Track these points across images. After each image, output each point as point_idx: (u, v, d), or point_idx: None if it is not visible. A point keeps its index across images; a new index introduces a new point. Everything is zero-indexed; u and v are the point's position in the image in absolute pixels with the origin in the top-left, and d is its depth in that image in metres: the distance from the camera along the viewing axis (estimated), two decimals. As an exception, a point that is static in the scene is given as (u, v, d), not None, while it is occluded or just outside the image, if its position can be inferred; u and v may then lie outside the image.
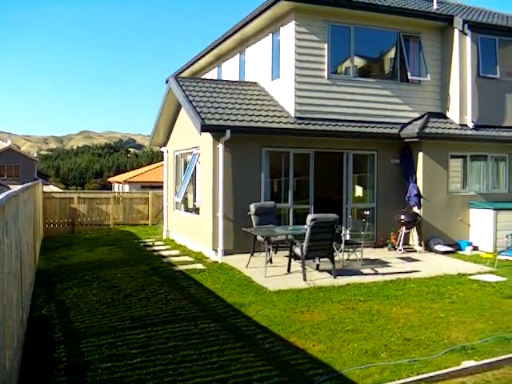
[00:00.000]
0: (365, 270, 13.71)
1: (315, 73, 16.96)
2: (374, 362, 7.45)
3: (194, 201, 18.60)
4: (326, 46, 17.06)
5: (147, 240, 20.79)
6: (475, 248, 17.29)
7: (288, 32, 17.05)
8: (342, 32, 17.35)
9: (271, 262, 14.03)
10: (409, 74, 18.11)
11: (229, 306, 10.41)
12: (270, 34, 18.22)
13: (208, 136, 15.86)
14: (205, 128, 15.26)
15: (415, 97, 18.35)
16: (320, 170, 17.21)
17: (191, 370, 7.10)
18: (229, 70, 21.93)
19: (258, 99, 17.68)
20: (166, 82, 19.06)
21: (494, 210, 17.14)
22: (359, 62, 18.30)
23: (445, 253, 16.55)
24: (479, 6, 22.80)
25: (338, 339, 8.39)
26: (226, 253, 15.52)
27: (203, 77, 24.42)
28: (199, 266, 14.57)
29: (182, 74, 26.07)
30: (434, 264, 14.88)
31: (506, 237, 15.73)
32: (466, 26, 17.97)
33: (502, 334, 8.62)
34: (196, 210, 18.02)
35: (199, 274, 13.48)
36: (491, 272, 13.85)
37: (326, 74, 17.09)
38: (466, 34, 18.06)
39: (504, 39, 18.86)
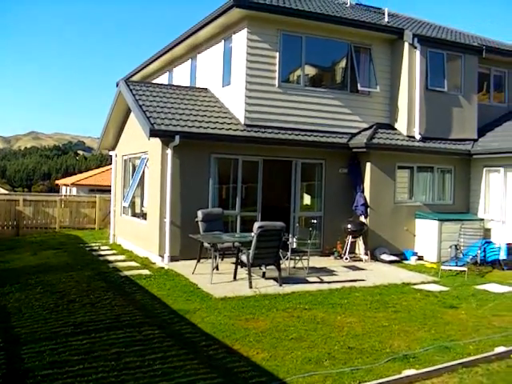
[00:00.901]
0: (311, 279, 13.77)
1: (266, 81, 17.02)
2: (317, 370, 7.46)
3: (142, 206, 18.48)
4: (277, 54, 17.15)
5: (93, 244, 20.53)
6: (420, 258, 17.56)
7: (240, 39, 17.08)
8: (293, 41, 17.46)
9: (217, 269, 13.99)
10: (359, 84, 18.32)
11: (174, 312, 10.33)
12: (223, 41, 18.23)
13: (157, 141, 15.76)
14: (154, 133, 15.15)
15: (365, 107, 18.57)
16: (269, 178, 17.31)
17: (134, 378, 7.00)
18: (180, 76, 21.86)
19: (209, 105, 17.65)
20: (117, 85, 18.89)
21: (438, 220, 17.45)
22: (311, 71, 18.45)
23: (390, 262, 16.75)
24: (429, 20, 23.22)
25: (282, 347, 8.38)
26: (173, 259, 15.43)
27: (154, 81, 24.27)
28: (145, 271, 14.44)
29: (133, 78, 25.92)
30: (379, 273, 15.04)
31: (450, 247, 15.98)
32: (415, 39, 18.28)
33: (442, 343, 8.74)
34: (143, 215, 17.88)
35: (145, 279, 13.34)
36: (435, 282, 14.06)
37: (276, 82, 17.17)
38: (416, 48, 18.38)
39: (452, 54, 19.25)
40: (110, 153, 22.06)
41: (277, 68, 17.17)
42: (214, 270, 13.40)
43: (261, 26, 16.92)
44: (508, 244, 16.99)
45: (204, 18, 17.72)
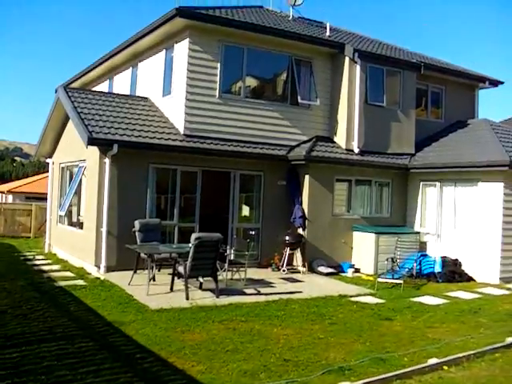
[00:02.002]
0: (248, 290, 13.73)
1: (207, 91, 16.98)
2: (253, 383, 7.41)
3: (78, 215, 18.15)
4: (218, 65, 17.14)
5: (28, 254, 20.04)
6: (357, 270, 17.71)
7: (182, 49, 17.02)
8: (235, 52, 17.49)
9: (154, 280, 13.81)
10: (299, 97, 18.43)
11: (109, 324, 10.12)
12: (164, 50, 18.14)
13: (95, 150, 15.53)
14: (92, 141, 14.92)
15: (304, 120, 18.69)
16: (208, 189, 17.22)
17: (65, 392, 6.84)
18: (120, 84, 21.64)
19: (148, 115, 17.49)
20: (56, 91, 18.57)
21: (375, 233, 17.65)
22: (252, 83, 18.50)
23: (327, 274, 16.84)
24: (370, 35, 23.56)
25: (217, 360, 8.29)
26: (109, 269, 15.17)
27: (95, 89, 23.95)
28: (80, 282, 14.15)
29: (73, 85, 25.50)
30: (316, 285, 15.10)
31: (387, 260, 16.14)
32: (356, 54, 18.53)
33: (378, 355, 8.79)
34: (80, 225, 17.55)
35: (80, 290, 13.07)
36: (371, 294, 14.18)
37: (217, 93, 17.15)
38: (356, 62, 18.62)
39: (391, 69, 19.57)
40: (47, 160, 21.66)
41: (218, 79, 17.15)
42: (151, 281, 13.23)
43: (203, 37, 16.89)
44: (443, 257, 17.35)
45: (146, 27, 17.59)
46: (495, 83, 23.64)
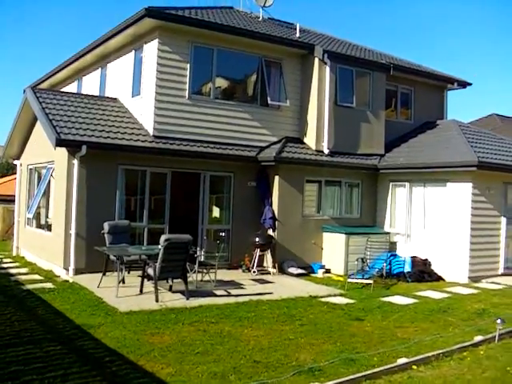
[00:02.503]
0: (218, 292, 13.68)
1: (176, 92, 16.90)
2: (223, 385, 7.40)
3: (47, 217, 17.96)
4: (188, 66, 17.07)
5: (-5, 257, 19.78)
6: (327, 271, 17.75)
7: (151, 50, 16.91)
8: (205, 53, 17.42)
9: (124, 283, 13.68)
10: (269, 98, 18.43)
11: (77, 327, 9.99)
12: (133, 51, 18.02)
13: (63, 151, 15.37)
14: (60, 143, 14.76)
15: (274, 121, 18.69)
16: (178, 190, 17.17)
17: (32, 397, 6.73)
18: (89, 85, 21.45)
19: (118, 116, 17.36)
20: (24, 92, 18.33)
21: (345, 234, 17.70)
22: (222, 84, 18.46)
23: (298, 275, 16.85)
24: (340, 36, 23.65)
25: (187, 362, 8.24)
26: (78, 272, 15.01)
27: (63, 90, 23.69)
28: (49, 285, 13.98)
29: (41, 86, 25.22)
30: (286, 286, 15.09)
31: (357, 260, 16.22)
32: (326, 55, 18.57)
33: (348, 355, 8.79)
34: (48, 227, 17.36)
35: (48, 293, 12.91)
36: (341, 294, 14.22)
37: (187, 94, 17.08)
38: (326, 63, 18.66)
39: (361, 70, 19.65)
40: (15, 162, 21.40)
41: (187, 80, 17.07)
42: (120, 284, 13.12)
43: (172, 37, 16.80)
44: (413, 257, 17.47)
45: (115, 27, 17.46)
46: (464, 84, 23.88)
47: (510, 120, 37.95)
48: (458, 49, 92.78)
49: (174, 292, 13.18)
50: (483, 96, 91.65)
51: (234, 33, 17.49)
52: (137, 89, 17.68)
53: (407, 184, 18.98)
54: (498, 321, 9.83)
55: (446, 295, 14.76)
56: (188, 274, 13.24)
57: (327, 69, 18.68)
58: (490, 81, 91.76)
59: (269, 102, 18.47)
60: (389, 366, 8.07)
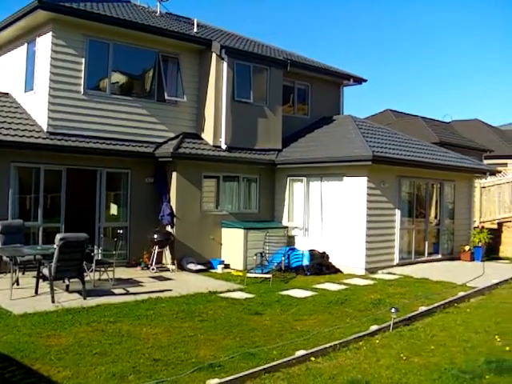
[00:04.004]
0: (116, 290, 13.43)
1: (71, 87, 16.43)
2: (121, 385, 7.26)
3: None
4: (83, 60, 16.62)
5: None
6: (227, 266, 17.77)
7: (44, 43, 16.38)
8: (101, 47, 17.02)
9: (18, 284, 13.17)
10: (166, 94, 18.25)
11: (-34, 334, 9.57)
12: (26, 44, 17.40)
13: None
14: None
15: (172, 117, 18.52)
16: (75, 188, 16.74)
17: None
18: (-22, 79, 20.60)
19: (10, 112, 16.68)
20: None
21: (244, 229, 17.76)
22: (119, 79, 18.09)
23: (197, 271, 16.79)
24: (238, 32, 23.67)
25: (85, 363, 8.02)
26: (-32, 274, 14.41)
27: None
28: None
29: None
30: (186, 283, 15.00)
31: (256, 255, 16.31)
32: (223, 50, 18.52)
33: (247, 350, 8.81)
34: None
35: None
36: (241, 289, 14.25)
37: (82, 89, 16.63)
38: (223, 59, 18.62)
39: (258, 66, 19.74)
40: None
41: (83, 75, 16.63)
42: (14, 285, 12.66)
43: (67, 31, 16.30)
44: (311, 250, 17.71)
45: (5, 19, 16.84)
46: (359, 81, 24.41)
47: (403, 115, 39.25)
48: (355, 46, 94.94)
49: (70, 292, 12.83)
50: (379, 92, 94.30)
51: (130, 27, 17.16)
52: (30, 84, 17.09)
53: (304, 179, 19.24)
54: (392, 310, 10.11)
55: (343, 287, 15.04)
56: (85, 274, 12.92)
57: (224, 64, 18.66)
58: (386, 77, 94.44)
59: (166, 97, 18.28)
60: (287, 359, 8.13)
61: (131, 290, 13.60)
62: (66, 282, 12.89)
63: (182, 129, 18.65)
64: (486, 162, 31.84)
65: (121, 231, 16.73)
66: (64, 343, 9.02)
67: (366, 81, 24.63)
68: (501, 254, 22.98)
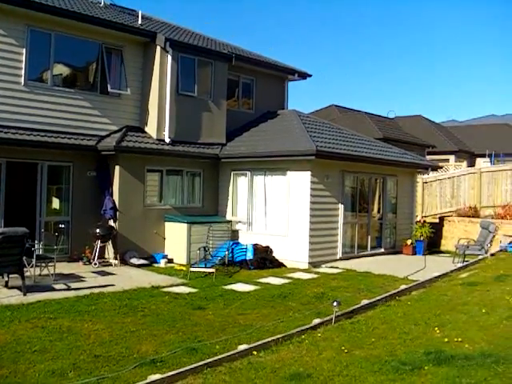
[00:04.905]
0: (58, 286, 13.22)
1: (11, 78, 16.01)
2: (61, 383, 7.13)
3: None
4: (24, 51, 16.22)
5: None
6: (170, 260, 17.68)
7: (-18, 32, 15.97)
8: (43, 38, 16.63)
9: (-46, 281, 12.92)
10: (109, 86, 17.99)
11: None
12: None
13: None
14: None
15: (115, 110, 18.27)
16: (15, 181, 16.39)
17: None
18: None
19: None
20: None
21: (187, 223, 17.69)
22: (62, 70, 17.75)
23: (140, 266, 16.67)
24: (184, 25, 23.50)
25: (23, 361, 7.88)
26: None
27: None
28: None
29: None
30: (128, 277, 14.88)
31: (199, 249, 16.27)
32: (167, 43, 18.37)
33: (190, 345, 8.80)
34: None
35: None
36: (184, 284, 14.20)
37: (23, 80, 16.24)
38: (168, 52, 18.47)
39: (203, 59, 19.64)
40: None
41: (24, 65, 16.23)
42: (-50, 282, 12.39)
43: (6, 20, 15.85)
44: (254, 245, 17.75)
45: None
46: (304, 76, 24.53)
47: (348, 111, 39.72)
48: (301, 42, 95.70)
49: (10, 288, 12.57)
50: (325, 88, 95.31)
51: (72, 17, 16.79)
52: (-35, 74, 16.64)
53: (248, 173, 19.26)
54: (335, 303, 10.18)
55: (287, 281, 15.12)
56: (25, 269, 12.71)
57: (169, 57, 18.52)
58: (331, 74, 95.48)
59: (109, 89, 18.02)
60: (230, 353, 8.12)
61: (73, 285, 13.40)
62: (6, 277, 12.64)
63: (126, 122, 18.43)
64: (428, 157, 32.45)
65: (62, 225, 16.52)
66: (2, 341, 8.84)
67: (310, 76, 24.77)
68: (442, 248, 23.42)
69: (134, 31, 18.47)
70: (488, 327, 9.55)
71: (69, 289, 13.03)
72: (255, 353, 8.34)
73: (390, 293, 12.57)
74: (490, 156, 37.54)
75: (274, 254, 17.89)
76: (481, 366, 7.55)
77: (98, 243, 16.56)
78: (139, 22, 19.61)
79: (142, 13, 20.50)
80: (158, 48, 18.56)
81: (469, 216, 23.93)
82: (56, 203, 17.85)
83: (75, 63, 18.33)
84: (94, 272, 15.42)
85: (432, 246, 22.69)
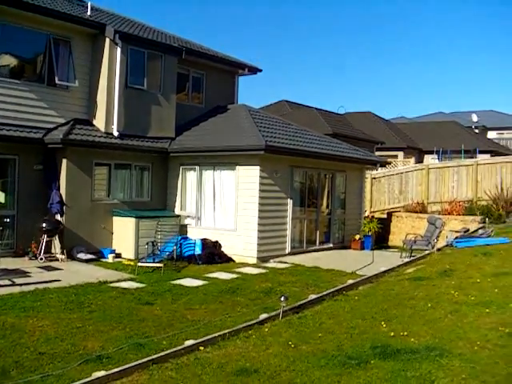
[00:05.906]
0: (1, 281, 12.91)
1: (-46, 68, 15.70)
2: (3, 381, 7.01)
3: None
4: (-32, 40, 15.90)
5: None
6: (118, 255, 17.54)
7: None
8: (-13, 28, 16.31)
9: None
10: (56, 78, 17.67)
11: None
12: None
13: None
14: None
15: (62, 102, 17.95)
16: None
17: None
18: None
19: None
20: None
21: (136, 218, 17.58)
22: (9, 61, 17.33)
23: (88, 261, 16.49)
24: (135, 18, 23.25)
25: (-36, 359, 7.76)
26: None
27: None
28: None
29: None
30: (75, 273, 14.69)
31: (147, 244, 16.17)
32: (117, 35, 18.14)
33: (137, 341, 8.78)
34: None
35: None
36: (131, 279, 14.12)
37: (-33, 70, 15.92)
38: (117, 44, 18.23)
39: (153, 53, 19.48)
40: None
41: (-32, 55, 15.91)
42: None
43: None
44: (203, 239, 17.72)
45: None
46: (254, 70, 24.54)
47: (298, 106, 39.88)
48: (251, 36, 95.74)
49: (-49, 284, 12.35)
50: (276, 83, 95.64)
51: (18, 6, 16.36)
52: None
53: (197, 167, 19.22)
54: (282, 298, 10.25)
55: (235, 276, 15.15)
56: (-32, 264, 12.46)
57: (118, 50, 18.30)
58: (283, 69, 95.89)
59: (57, 81, 17.71)
60: (176, 349, 8.12)
61: (18, 280, 13.16)
62: None
63: (74, 115, 18.14)
64: (377, 153, 32.76)
65: (7, 220, 16.24)
66: None
67: (260, 71, 24.77)
68: (390, 243, 23.74)
69: (82, 22, 18.16)
70: (433, 321, 9.73)
71: (13, 284, 12.80)
72: (202, 348, 8.36)
73: (337, 288, 12.69)
74: (437, 153, 38.08)
75: (222, 249, 17.88)
76: (425, 359, 7.71)
77: (45, 238, 16.29)
78: (88, 13, 19.29)
79: (91, 4, 20.13)
80: (107, 40, 18.31)
81: (416, 212, 24.33)
82: (1, 197, 17.49)
83: (22, 54, 17.89)
84: (40, 267, 15.17)
85: (380, 241, 22.99)
